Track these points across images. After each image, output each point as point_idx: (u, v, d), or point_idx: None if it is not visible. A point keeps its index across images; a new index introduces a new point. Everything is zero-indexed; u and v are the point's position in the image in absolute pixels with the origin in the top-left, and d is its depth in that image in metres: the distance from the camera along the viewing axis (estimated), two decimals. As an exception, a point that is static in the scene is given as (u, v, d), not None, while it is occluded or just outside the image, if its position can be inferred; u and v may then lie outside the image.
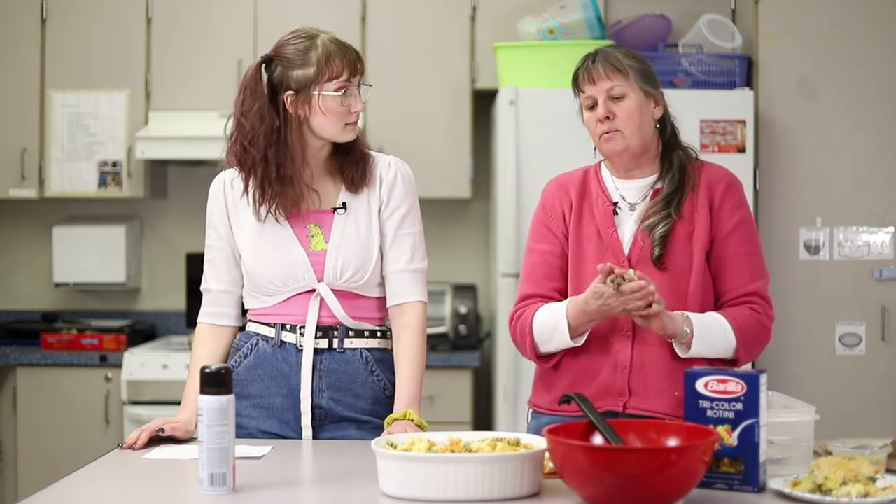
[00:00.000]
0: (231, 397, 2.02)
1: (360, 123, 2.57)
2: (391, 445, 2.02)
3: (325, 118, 2.47)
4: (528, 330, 2.58)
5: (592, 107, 2.57)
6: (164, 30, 4.84)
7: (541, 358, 2.60)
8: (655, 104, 2.59)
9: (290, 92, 2.47)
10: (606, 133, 2.54)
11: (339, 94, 2.46)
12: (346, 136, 2.51)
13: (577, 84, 2.59)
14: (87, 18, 4.84)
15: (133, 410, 4.51)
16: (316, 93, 2.45)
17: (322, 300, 2.52)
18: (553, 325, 2.53)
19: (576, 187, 2.63)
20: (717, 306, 2.57)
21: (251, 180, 2.50)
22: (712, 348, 2.48)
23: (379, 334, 2.57)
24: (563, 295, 2.59)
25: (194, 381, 2.40)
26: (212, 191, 2.60)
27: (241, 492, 2.02)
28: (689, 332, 2.45)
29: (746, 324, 2.51)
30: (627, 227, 2.57)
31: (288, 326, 2.53)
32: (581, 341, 2.53)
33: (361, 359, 2.54)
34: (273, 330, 2.54)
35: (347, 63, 2.47)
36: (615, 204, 2.59)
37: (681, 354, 2.48)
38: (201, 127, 4.63)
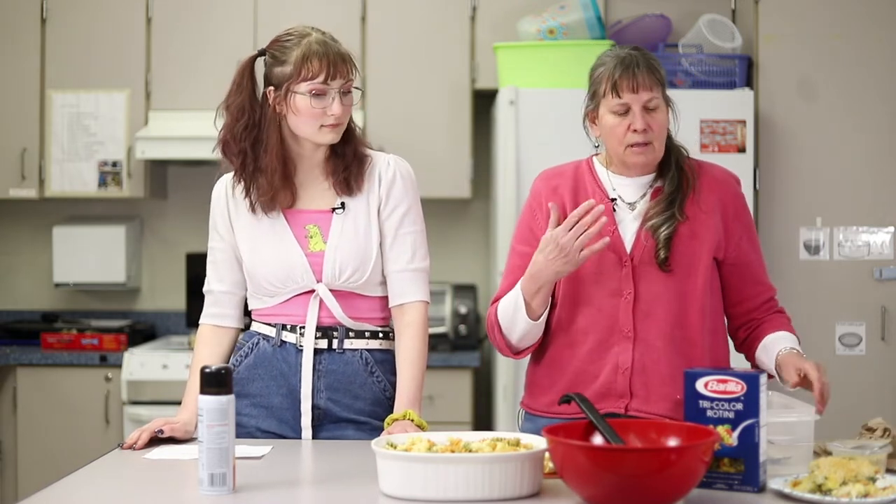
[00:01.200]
0: (231, 397, 2.02)
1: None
2: (391, 445, 2.02)
3: (297, 118, 2.47)
4: (494, 322, 2.58)
5: (623, 113, 2.50)
6: (164, 30, 4.84)
7: (515, 352, 2.59)
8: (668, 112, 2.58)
9: (271, 87, 2.48)
10: (640, 145, 2.50)
11: (309, 95, 2.44)
12: (324, 139, 2.49)
13: (615, 88, 2.49)
14: (87, 18, 4.84)
15: (133, 410, 4.51)
16: (291, 91, 2.46)
17: (321, 300, 2.52)
18: (513, 309, 2.52)
19: (567, 185, 2.61)
20: (742, 311, 2.60)
21: (237, 172, 2.53)
22: None
23: (381, 335, 2.57)
24: None
25: (195, 382, 2.39)
26: (214, 193, 2.61)
27: (241, 492, 2.02)
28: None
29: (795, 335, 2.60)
30: (628, 226, 2.56)
31: (288, 326, 2.53)
32: (541, 321, 2.51)
33: (361, 360, 2.54)
34: (274, 329, 2.54)
35: (326, 65, 2.44)
36: (613, 201, 2.58)
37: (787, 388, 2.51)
38: (201, 127, 4.57)
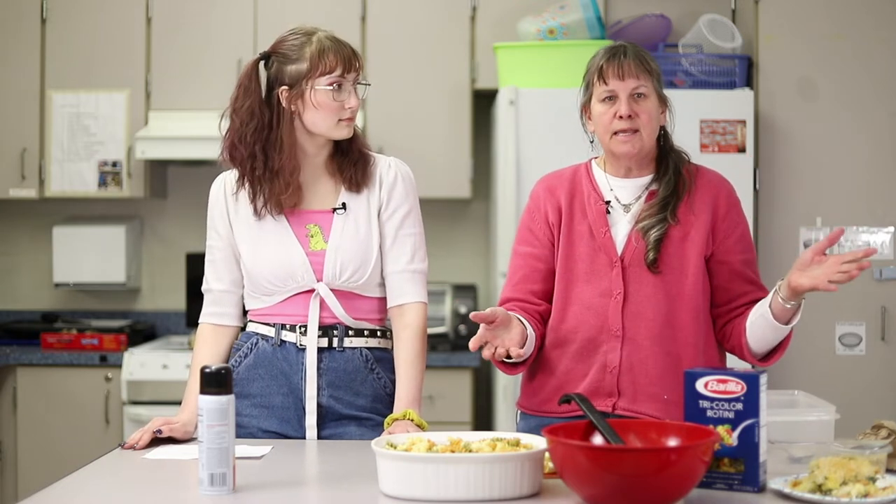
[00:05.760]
0: (231, 397, 2.02)
1: (359, 123, 2.58)
2: (391, 445, 2.02)
3: (316, 113, 2.48)
4: None
5: (609, 100, 2.53)
6: (164, 30, 4.84)
7: (507, 365, 2.57)
8: (662, 111, 2.59)
9: (285, 87, 2.49)
10: (624, 132, 2.51)
11: (331, 88, 2.47)
12: (340, 133, 2.51)
13: (601, 75, 2.53)
14: (87, 18, 4.84)
15: (133, 410, 4.51)
16: (309, 87, 2.47)
17: (322, 300, 2.52)
18: None
19: (564, 187, 2.62)
20: (729, 309, 2.57)
21: (244, 176, 2.53)
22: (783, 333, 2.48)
23: (379, 334, 2.58)
24: (539, 297, 2.59)
25: (195, 382, 2.39)
26: (212, 191, 2.61)
27: (241, 492, 2.02)
28: (796, 304, 2.44)
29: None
30: (621, 227, 2.57)
31: (288, 326, 2.53)
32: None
33: (362, 357, 2.54)
34: (273, 329, 2.54)
35: (341, 59, 2.48)
36: (608, 203, 2.59)
37: (780, 323, 2.45)
38: (201, 127, 4.62)
